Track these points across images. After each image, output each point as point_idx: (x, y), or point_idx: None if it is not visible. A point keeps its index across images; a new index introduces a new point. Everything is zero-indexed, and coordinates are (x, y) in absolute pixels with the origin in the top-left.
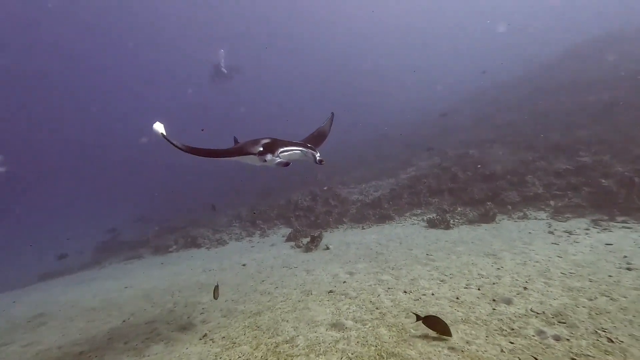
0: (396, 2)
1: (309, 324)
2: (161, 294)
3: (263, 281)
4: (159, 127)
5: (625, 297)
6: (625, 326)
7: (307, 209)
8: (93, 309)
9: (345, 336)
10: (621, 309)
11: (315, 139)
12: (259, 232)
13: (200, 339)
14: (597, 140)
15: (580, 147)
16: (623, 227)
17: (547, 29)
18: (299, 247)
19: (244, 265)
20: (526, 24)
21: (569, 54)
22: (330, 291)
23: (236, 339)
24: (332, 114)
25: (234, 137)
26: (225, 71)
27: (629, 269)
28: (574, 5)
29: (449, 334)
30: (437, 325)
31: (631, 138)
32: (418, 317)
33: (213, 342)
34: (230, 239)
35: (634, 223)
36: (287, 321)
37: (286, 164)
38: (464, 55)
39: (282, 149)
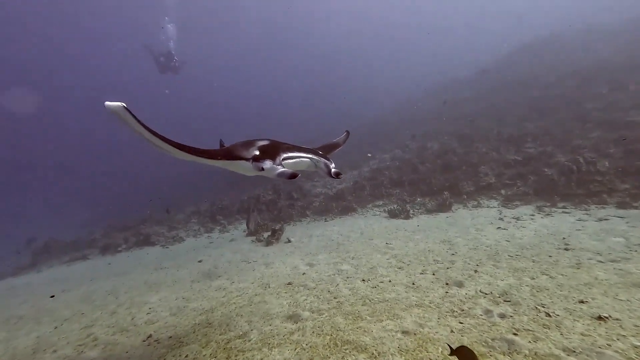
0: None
1: (264, 318)
2: (104, 296)
3: (219, 277)
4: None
5: (562, 274)
6: (561, 301)
7: (270, 203)
8: (19, 318)
9: (301, 327)
10: (558, 285)
11: (324, 151)
12: (218, 227)
13: (144, 341)
14: (542, 133)
15: (527, 139)
16: (563, 212)
17: (499, 29)
18: (259, 241)
19: (200, 261)
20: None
21: (518, 53)
22: (289, 283)
23: (184, 337)
24: (347, 132)
25: (220, 140)
26: (177, 60)
27: (566, 249)
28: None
29: None
30: (467, 357)
31: (570, 130)
32: (452, 350)
33: (158, 342)
34: (187, 235)
35: (572, 208)
36: (241, 316)
37: (292, 176)
38: (425, 54)
39: (285, 155)
